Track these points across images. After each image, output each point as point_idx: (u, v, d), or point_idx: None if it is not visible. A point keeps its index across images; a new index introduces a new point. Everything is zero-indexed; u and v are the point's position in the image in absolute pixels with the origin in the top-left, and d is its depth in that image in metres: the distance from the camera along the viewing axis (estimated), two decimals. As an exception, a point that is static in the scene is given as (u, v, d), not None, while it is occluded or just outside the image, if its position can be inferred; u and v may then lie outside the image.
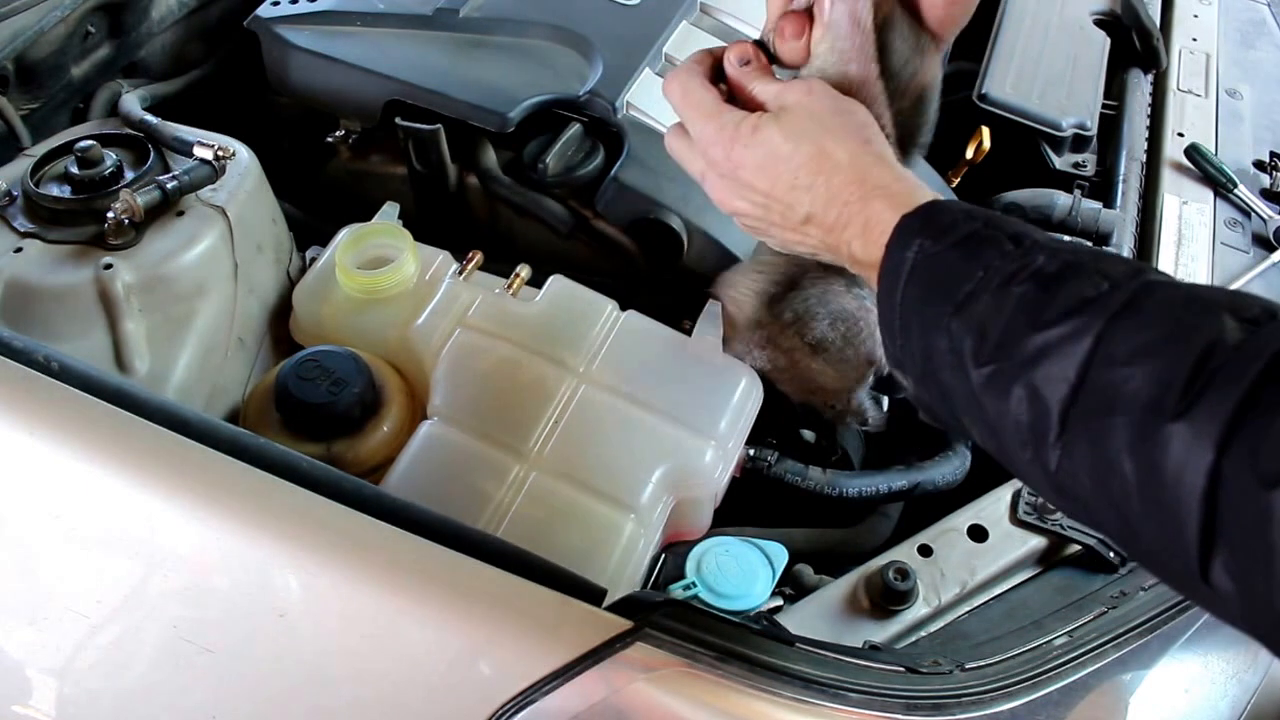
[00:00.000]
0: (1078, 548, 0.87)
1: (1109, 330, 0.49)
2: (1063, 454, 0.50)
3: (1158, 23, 1.43)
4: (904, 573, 0.82)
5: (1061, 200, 1.18)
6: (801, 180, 0.66)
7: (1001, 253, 0.56)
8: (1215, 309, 0.47)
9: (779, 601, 0.83)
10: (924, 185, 0.65)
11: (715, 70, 0.73)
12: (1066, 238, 1.14)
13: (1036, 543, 0.87)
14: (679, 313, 1.02)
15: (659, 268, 1.06)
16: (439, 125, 1.06)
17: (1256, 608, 0.44)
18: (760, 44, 0.73)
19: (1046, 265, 0.54)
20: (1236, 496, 0.43)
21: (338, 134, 1.16)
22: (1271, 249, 1.19)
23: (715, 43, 1.16)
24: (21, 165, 0.98)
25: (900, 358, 0.61)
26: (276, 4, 1.17)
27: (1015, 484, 0.90)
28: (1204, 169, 1.26)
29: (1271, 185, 1.26)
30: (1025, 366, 0.51)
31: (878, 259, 0.62)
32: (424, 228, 1.04)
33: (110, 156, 0.97)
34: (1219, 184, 1.25)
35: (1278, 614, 0.43)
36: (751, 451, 0.96)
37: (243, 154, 1.02)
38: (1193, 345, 0.46)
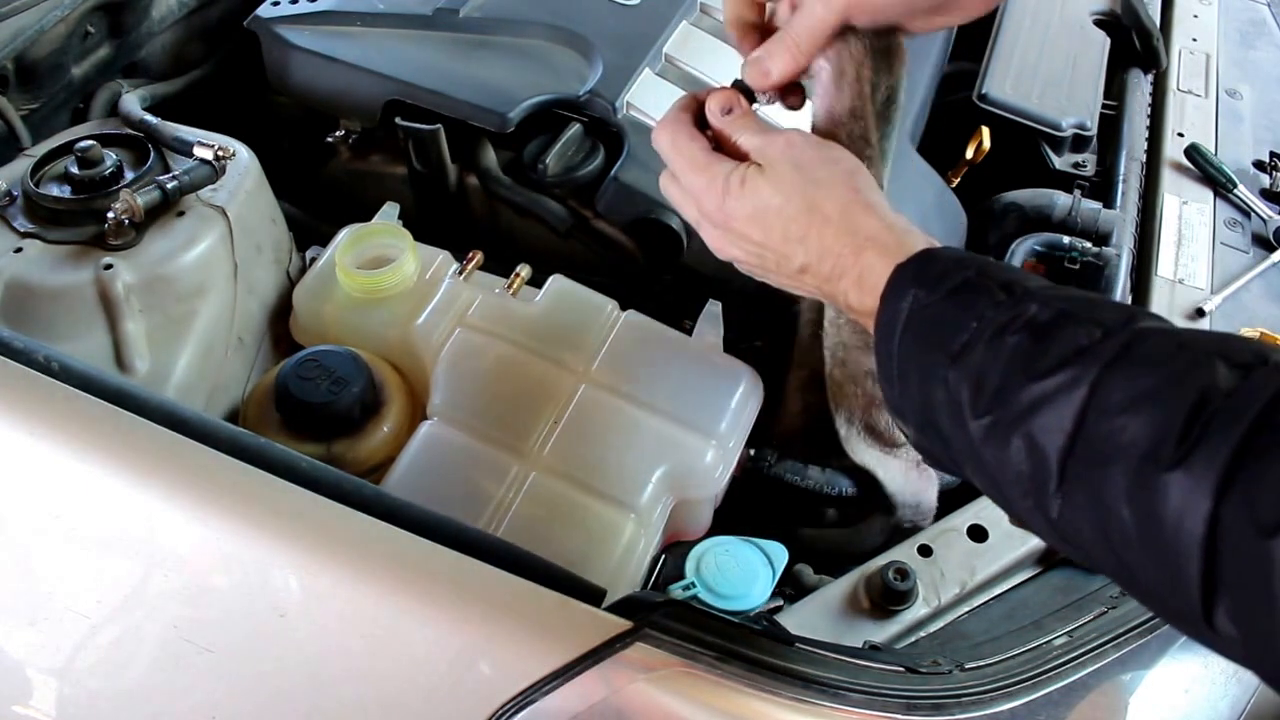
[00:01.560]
0: (1077, 548, 0.87)
1: (1103, 379, 0.49)
2: (1063, 503, 0.51)
3: (1158, 23, 1.43)
4: (904, 573, 0.82)
5: (1061, 200, 1.18)
6: (794, 233, 0.67)
7: (994, 302, 0.56)
8: (1208, 355, 0.48)
9: (779, 601, 0.83)
10: (914, 230, 0.66)
11: (701, 115, 0.74)
12: (1067, 238, 1.14)
13: (1036, 543, 0.86)
14: (679, 313, 1.02)
15: (659, 268, 1.06)
16: (439, 125, 1.06)
17: (1261, 652, 0.44)
18: (740, 84, 0.73)
19: (1039, 314, 0.54)
20: (1236, 544, 0.43)
21: (338, 134, 1.16)
22: (1271, 249, 1.19)
23: (715, 43, 1.16)
24: (22, 165, 0.98)
25: (900, 406, 0.62)
26: (276, 4, 1.17)
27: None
28: (1204, 169, 1.26)
29: (1271, 185, 1.26)
30: (1022, 417, 0.52)
31: (873, 308, 0.63)
32: (424, 228, 1.04)
33: (110, 156, 0.97)
34: (1219, 184, 1.25)
35: None
36: (751, 451, 0.96)
37: (243, 154, 1.02)
38: (1186, 393, 0.46)
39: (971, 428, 0.55)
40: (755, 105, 0.74)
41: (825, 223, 0.66)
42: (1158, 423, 0.47)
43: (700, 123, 0.73)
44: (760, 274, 0.73)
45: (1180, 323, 1.09)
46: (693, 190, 0.72)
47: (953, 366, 0.56)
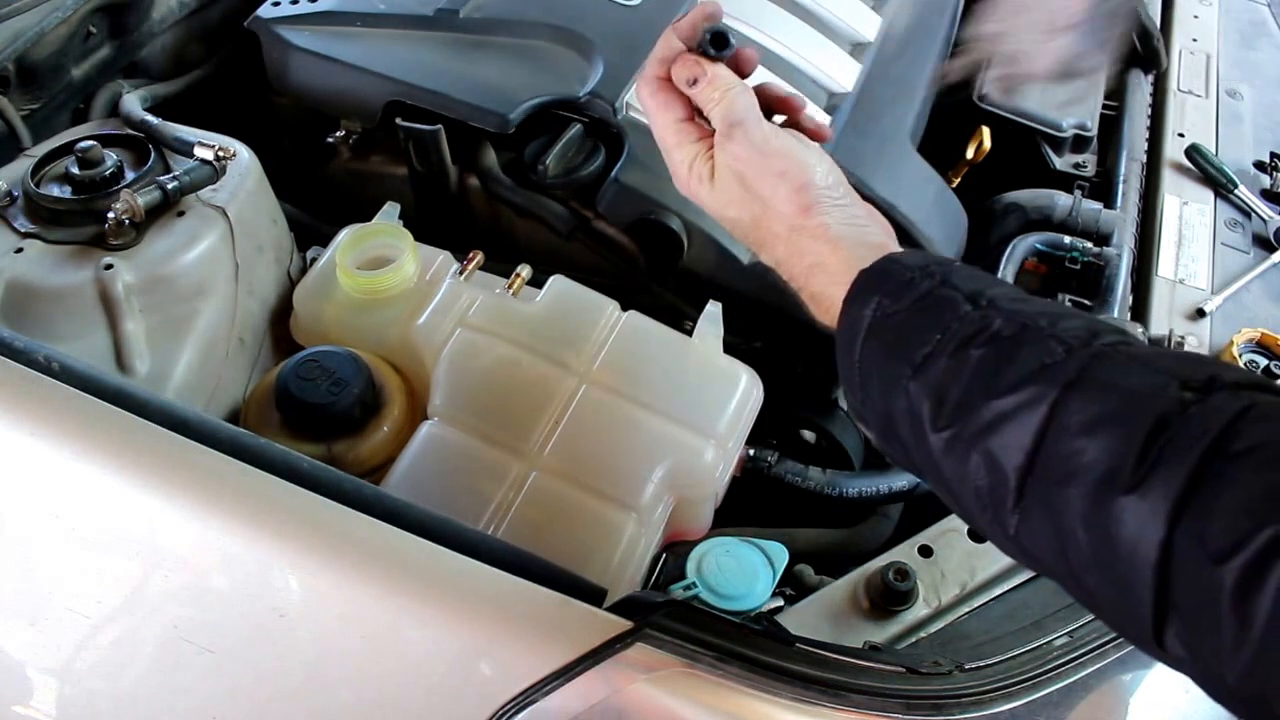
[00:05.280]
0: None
1: (1064, 399, 0.50)
2: (1021, 519, 0.51)
3: (1158, 23, 1.43)
4: (904, 573, 0.82)
5: (1062, 201, 1.18)
6: (753, 241, 0.69)
7: (958, 315, 0.56)
8: (1167, 378, 0.48)
9: (779, 602, 0.83)
10: (866, 240, 0.65)
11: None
12: (1068, 237, 1.14)
13: (1037, 543, 0.86)
14: (679, 313, 1.02)
15: (659, 268, 1.06)
16: (439, 126, 1.06)
17: (1209, 676, 0.45)
18: (704, 47, 0.70)
19: (1003, 328, 0.54)
20: (1187, 570, 0.44)
21: (338, 134, 1.16)
22: (1271, 249, 1.19)
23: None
24: (22, 165, 0.98)
25: (861, 412, 0.62)
26: (277, 4, 1.17)
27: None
28: (1204, 169, 1.26)
29: (1272, 186, 1.26)
30: (982, 433, 0.52)
31: (831, 322, 0.64)
32: (424, 228, 1.04)
33: (111, 157, 0.97)
34: (1219, 184, 1.25)
35: (1229, 685, 0.44)
36: (751, 451, 0.96)
37: (243, 154, 1.02)
38: (1144, 417, 0.47)
39: (931, 440, 0.55)
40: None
41: (776, 240, 0.67)
42: (1115, 446, 0.47)
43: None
44: None
45: (1181, 323, 1.09)
46: (669, 164, 0.72)
47: (914, 378, 0.56)
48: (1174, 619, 0.45)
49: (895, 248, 0.64)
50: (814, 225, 0.65)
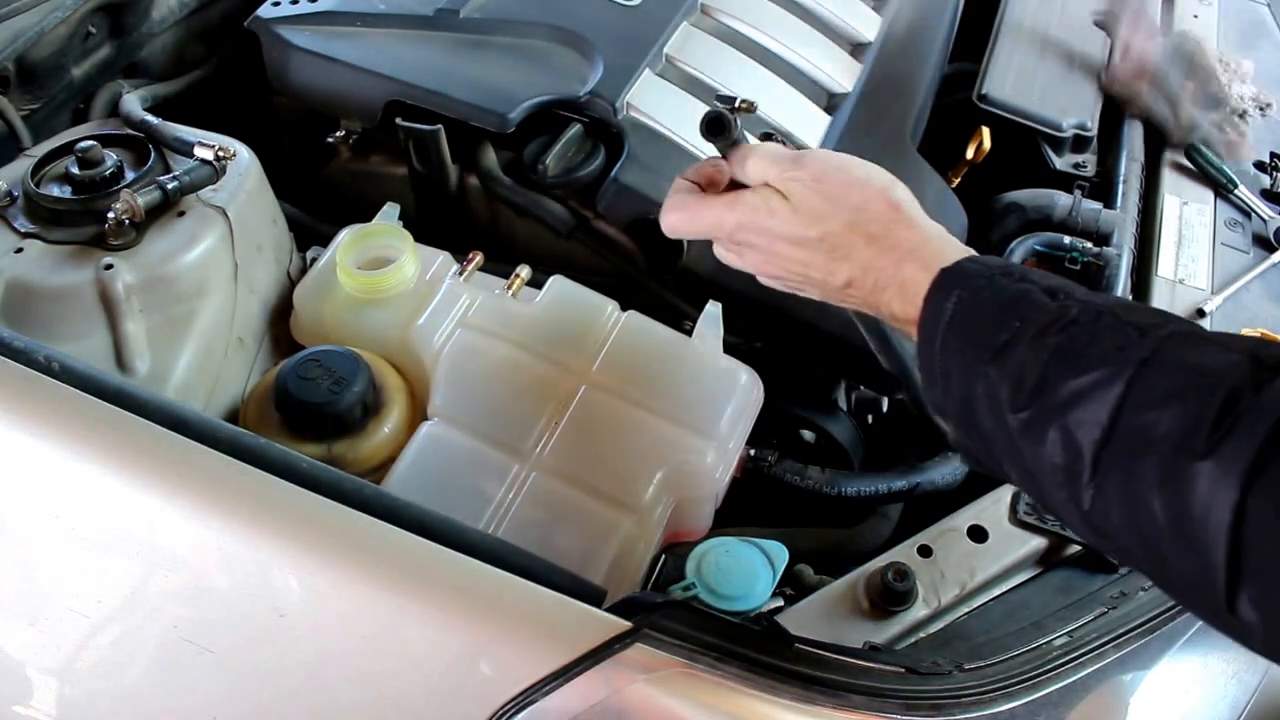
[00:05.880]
0: (1078, 548, 0.87)
1: (1139, 376, 0.52)
2: (1096, 493, 0.53)
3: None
4: (903, 573, 0.82)
5: (1062, 200, 1.18)
6: (839, 254, 0.70)
7: (1037, 305, 0.59)
8: (1240, 356, 0.50)
9: (779, 602, 0.83)
10: (950, 238, 0.69)
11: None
12: (1068, 238, 1.14)
13: (1036, 543, 0.86)
14: (679, 313, 1.02)
15: (659, 268, 1.06)
16: (439, 126, 1.06)
17: None
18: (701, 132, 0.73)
19: (1080, 316, 0.57)
20: (1261, 532, 0.45)
21: (338, 134, 1.16)
22: (1272, 249, 1.19)
23: (716, 44, 1.16)
24: (22, 165, 0.98)
25: (941, 403, 0.64)
26: (277, 4, 1.17)
27: (1015, 484, 0.90)
28: (1204, 169, 1.26)
29: (1272, 186, 1.26)
30: (1060, 411, 0.54)
31: (915, 316, 0.65)
32: (424, 228, 1.04)
33: (111, 157, 0.97)
34: (1219, 184, 1.25)
35: None
36: (752, 451, 0.96)
37: (243, 154, 1.02)
38: (1218, 390, 0.49)
39: (1010, 422, 0.57)
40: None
41: (869, 242, 0.69)
42: (1190, 417, 0.49)
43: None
44: (805, 290, 0.75)
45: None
46: (734, 236, 0.73)
47: (994, 363, 0.58)
48: (1247, 582, 0.46)
49: (974, 253, 0.67)
50: (905, 219, 0.69)
